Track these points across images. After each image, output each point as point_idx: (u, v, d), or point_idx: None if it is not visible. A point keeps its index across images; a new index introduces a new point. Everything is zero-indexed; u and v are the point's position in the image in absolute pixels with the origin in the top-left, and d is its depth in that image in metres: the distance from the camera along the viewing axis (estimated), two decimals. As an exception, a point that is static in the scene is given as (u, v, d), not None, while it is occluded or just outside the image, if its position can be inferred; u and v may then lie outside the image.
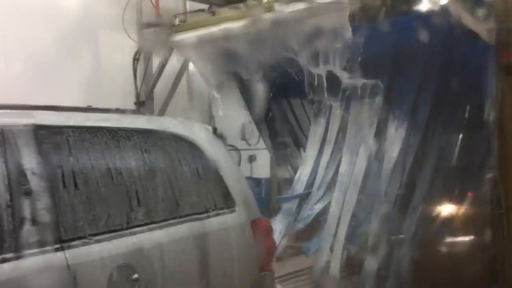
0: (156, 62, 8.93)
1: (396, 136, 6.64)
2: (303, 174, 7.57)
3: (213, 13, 8.18)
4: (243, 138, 10.78)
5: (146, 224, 3.50)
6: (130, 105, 8.84)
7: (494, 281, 6.02)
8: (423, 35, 6.20)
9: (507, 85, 6.02)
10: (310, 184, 7.44)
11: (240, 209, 4.07)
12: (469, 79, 6.47)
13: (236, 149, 10.36)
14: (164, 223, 3.59)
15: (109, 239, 3.28)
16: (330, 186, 7.21)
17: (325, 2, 6.71)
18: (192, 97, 9.83)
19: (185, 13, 8.69)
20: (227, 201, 4.03)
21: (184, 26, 8.39)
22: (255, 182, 10.27)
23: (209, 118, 10.05)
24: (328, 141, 7.47)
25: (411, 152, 6.66)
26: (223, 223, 3.95)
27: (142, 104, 8.89)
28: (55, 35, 8.39)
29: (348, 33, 6.52)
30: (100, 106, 3.92)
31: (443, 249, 6.56)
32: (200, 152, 3.96)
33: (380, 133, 6.82)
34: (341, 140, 7.31)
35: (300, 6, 7.07)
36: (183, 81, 9.56)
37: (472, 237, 6.50)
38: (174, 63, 9.25)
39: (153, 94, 8.99)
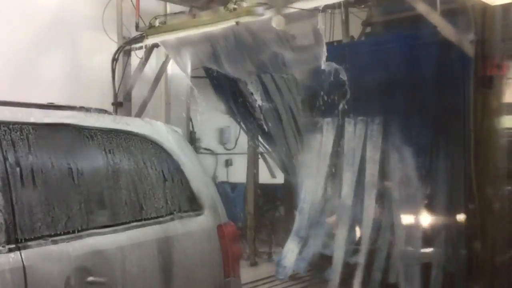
0: (135, 63, 8.78)
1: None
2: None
3: (194, 16, 8.09)
4: (221, 142, 10.68)
5: (106, 226, 3.39)
6: (108, 105, 8.70)
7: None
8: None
9: (484, 96, 5.98)
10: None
11: (206, 213, 3.97)
12: (449, 91, 6.45)
13: (213, 153, 10.26)
14: (126, 225, 3.49)
15: (67, 240, 3.16)
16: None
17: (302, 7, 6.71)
18: (170, 100, 9.68)
19: (165, 15, 8.56)
20: (193, 205, 3.93)
21: (164, 28, 8.32)
22: (231, 187, 10.19)
23: (187, 121, 9.95)
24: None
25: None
26: (188, 227, 3.85)
27: (120, 105, 8.75)
28: (33, 34, 8.27)
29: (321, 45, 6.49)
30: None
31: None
32: (167, 154, 3.86)
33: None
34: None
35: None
36: (162, 83, 9.43)
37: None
38: (153, 65, 9.14)
39: (131, 95, 8.84)
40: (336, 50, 7.03)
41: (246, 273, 8.69)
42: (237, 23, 7.44)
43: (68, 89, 8.42)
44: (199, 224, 3.90)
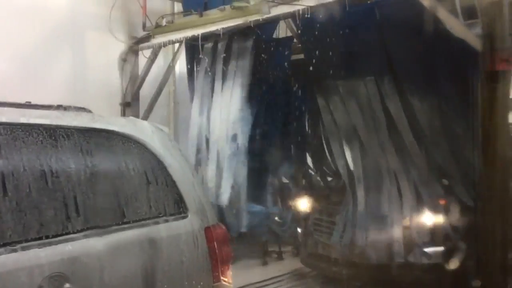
0: (142, 63, 8.60)
1: None
2: None
3: (201, 15, 7.91)
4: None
5: (84, 230, 3.16)
6: (116, 105, 8.56)
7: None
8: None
9: (492, 92, 5.71)
10: None
11: (193, 215, 3.73)
12: (456, 84, 6.17)
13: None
14: (105, 229, 3.25)
15: (39, 247, 2.94)
16: None
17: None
18: (178, 99, 9.49)
19: (172, 14, 8.38)
20: (179, 207, 3.69)
21: (171, 27, 8.14)
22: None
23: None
24: None
25: None
26: (173, 230, 3.60)
27: (128, 105, 8.60)
28: (41, 34, 8.17)
29: None
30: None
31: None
32: (151, 155, 3.62)
33: None
34: None
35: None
36: (170, 83, 9.25)
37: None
38: (160, 64, 8.96)
39: (139, 95, 8.67)
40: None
41: (257, 272, 8.57)
42: (244, 22, 7.31)
43: (75, 89, 8.34)
44: (185, 227, 3.66)
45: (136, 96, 8.64)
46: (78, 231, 3.13)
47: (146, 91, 8.72)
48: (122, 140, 3.51)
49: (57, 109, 3.40)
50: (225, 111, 7.72)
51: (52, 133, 3.19)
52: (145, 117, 8.61)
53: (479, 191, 5.82)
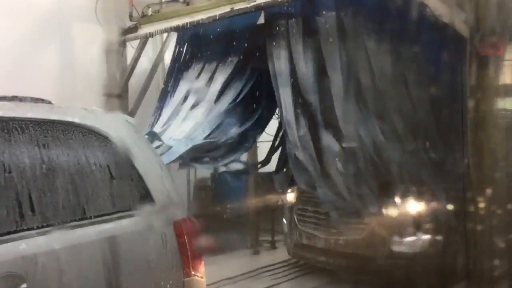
0: (130, 54, 8.36)
1: None
2: None
3: (187, 3, 7.70)
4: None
5: (40, 228, 2.95)
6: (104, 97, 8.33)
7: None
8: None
9: (481, 78, 5.50)
10: None
11: (160, 209, 3.51)
12: (441, 71, 5.95)
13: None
14: (64, 226, 3.04)
15: (-11, 246, 2.75)
16: None
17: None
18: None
19: (159, 3, 8.13)
20: (145, 201, 3.47)
21: (157, 17, 7.92)
22: (232, 176, 9.81)
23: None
24: None
25: None
26: (138, 225, 3.39)
27: (117, 97, 8.34)
28: (27, 26, 8.00)
29: None
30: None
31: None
32: (115, 148, 3.40)
33: None
34: None
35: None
36: (159, 74, 9.01)
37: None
38: (149, 55, 8.74)
39: (128, 87, 8.42)
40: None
41: (249, 262, 8.41)
42: (231, 9, 7.09)
43: (63, 82, 8.17)
44: (152, 222, 3.44)
45: (125, 88, 8.38)
46: (33, 229, 2.91)
47: (135, 82, 8.48)
48: (82, 132, 3.29)
49: (12, 100, 3.18)
50: None
51: (5, 125, 2.97)
52: (135, 109, 8.39)
53: (467, 179, 5.59)
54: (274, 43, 6.83)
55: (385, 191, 6.12)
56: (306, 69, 6.47)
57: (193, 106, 7.41)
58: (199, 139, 6.91)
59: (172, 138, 6.88)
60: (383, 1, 5.90)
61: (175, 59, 8.35)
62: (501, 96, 5.76)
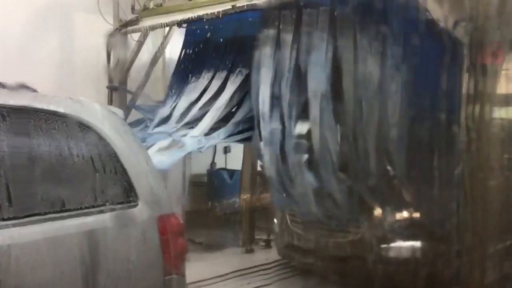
0: (131, 46, 8.28)
1: None
2: None
3: (190, -2, 7.62)
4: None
5: (15, 219, 2.85)
6: (103, 88, 8.25)
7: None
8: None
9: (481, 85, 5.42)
10: None
11: (144, 205, 3.42)
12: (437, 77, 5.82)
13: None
14: (41, 218, 2.94)
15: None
16: None
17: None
18: (167, 84, 9.15)
19: (163, -4, 8.03)
20: (128, 196, 3.38)
21: (159, 10, 7.84)
22: (229, 174, 9.72)
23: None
24: None
25: None
26: (120, 220, 3.30)
27: (115, 89, 8.28)
28: (29, 15, 7.89)
29: None
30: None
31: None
32: (99, 139, 3.31)
33: None
34: None
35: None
36: (159, 67, 8.92)
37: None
38: (150, 49, 8.65)
39: (126, 79, 8.34)
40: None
41: (242, 260, 8.32)
42: (233, 6, 7.00)
43: (62, 71, 8.11)
44: (133, 216, 3.35)
45: (124, 80, 8.31)
46: (7, 219, 2.82)
47: (135, 75, 8.39)
48: (66, 122, 3.19)
49: (-6, 86, 3.10)
50: None
51: (-16, 112, 2.88)
52: (133, 101, 8.30)
53: (462, 186, 5.57)
54: (264, 33, 6.69)
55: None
56: (290, 62, 6.32)
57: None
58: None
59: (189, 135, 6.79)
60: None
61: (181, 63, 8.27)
62: (499, 105, 5.67)
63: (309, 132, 6.02)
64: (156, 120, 7.51)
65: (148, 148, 6.15)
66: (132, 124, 7.72)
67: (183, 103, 7.52)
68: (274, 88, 6.35)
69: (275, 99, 6.32)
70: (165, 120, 7.49)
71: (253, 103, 6.63)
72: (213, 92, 7.39)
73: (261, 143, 6.33)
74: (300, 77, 6.19)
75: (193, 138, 6.65)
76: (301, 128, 6.15)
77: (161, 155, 6.16)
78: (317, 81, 5.96)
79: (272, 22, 6.56)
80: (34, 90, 3.30)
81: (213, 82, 7.52)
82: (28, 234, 2.87)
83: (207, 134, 6.82)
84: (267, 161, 6.27)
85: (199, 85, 7.62)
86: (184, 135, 6.78)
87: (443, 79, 5.80)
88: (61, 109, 3.19)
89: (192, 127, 7.01)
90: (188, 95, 7.61)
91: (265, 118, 6.31)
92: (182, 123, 7.18)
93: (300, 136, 6.09)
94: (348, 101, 5.82)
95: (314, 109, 5.93)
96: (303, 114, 6.10)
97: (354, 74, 5.78)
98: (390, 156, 5.73)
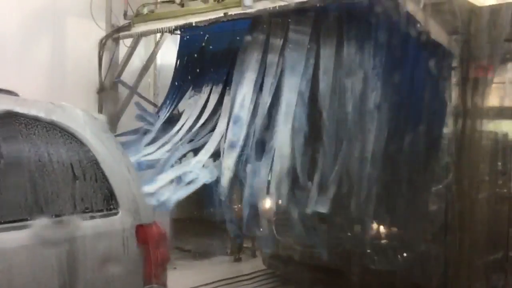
0: (123, 51, 8.22)
1: None
2: None
3: (182, 5, 7.57)
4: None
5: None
6: (93, 93, 8.18)
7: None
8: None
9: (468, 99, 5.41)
10: None
11: (125, 213, 3.34)
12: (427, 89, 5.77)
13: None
14: (17, 225, 2.86)
15: None
16: None
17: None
18: (158, 91, 9.10)
19: (154, 3, 7.99)
20: (109, 204, 3.30)
21: (152, 16, 7.79)
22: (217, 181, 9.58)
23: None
24: None
25: None
26: (99, 227, 3.22)
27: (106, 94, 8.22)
28: (20, 19, 7.80)
29: None
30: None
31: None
32: (80, 145, 3.23)
33: None
34: None
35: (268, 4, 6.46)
36: (151, 73, 8.86)
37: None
38: (141, 54, 8.59)
39: (117, 84, 8.27)
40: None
41: (229, 269, 8.23)
42: (225, 14, 6.96)
43: (53, 76, 8.01)
44: (113, 225, 3.28)
45: (115, 85, 8.24)
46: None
47: (126, 81, 8.32)
48: (47, 127, 3.12)
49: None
50: None
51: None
52: (124, 107, 8.24)
53: (452, 195, 5.55)
54: (253, 37, 6.64)
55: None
56: (277, 68, 6.27)
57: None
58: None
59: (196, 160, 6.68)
60: (369, 10, 5.66)
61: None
62: (489, 118, 5.64)
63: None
64: (153, 134, 7.41)
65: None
66: (128, 133, 7.67)
67: (186, 121, 7.40)
68: (257, 93, 6.32)
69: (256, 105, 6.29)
70: (165, 134, 7.40)
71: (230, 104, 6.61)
72: (212, 107, 7.30)
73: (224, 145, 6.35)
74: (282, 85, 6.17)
75: (205, 169, 6.54)
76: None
77: (169, 190, 6.13)
78: (293, 91, 5.94)
79: (261, 27, 6.54)
80: (16, 95, 3.22)
81: (211, 96, 7.42)
82: (4, 241, 2.79)
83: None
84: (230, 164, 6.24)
85: (199, 100, 7.52)
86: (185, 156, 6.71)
87: (432, 91, 5.77)
88: (41, 114, 3.11)
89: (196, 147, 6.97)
90: (189, 111, 7.53)
91: (238, 122, 6.27)
92: (185, 141, 7.10)
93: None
94: (326, 112, 5.78)
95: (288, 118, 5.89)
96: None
97: (333, 84, 5.74)
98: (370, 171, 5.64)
